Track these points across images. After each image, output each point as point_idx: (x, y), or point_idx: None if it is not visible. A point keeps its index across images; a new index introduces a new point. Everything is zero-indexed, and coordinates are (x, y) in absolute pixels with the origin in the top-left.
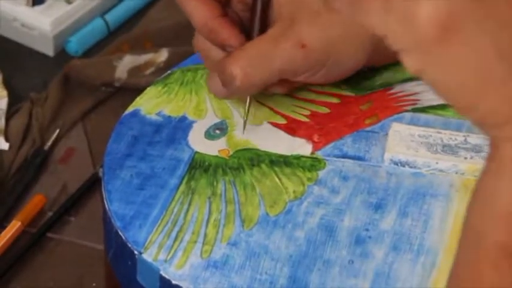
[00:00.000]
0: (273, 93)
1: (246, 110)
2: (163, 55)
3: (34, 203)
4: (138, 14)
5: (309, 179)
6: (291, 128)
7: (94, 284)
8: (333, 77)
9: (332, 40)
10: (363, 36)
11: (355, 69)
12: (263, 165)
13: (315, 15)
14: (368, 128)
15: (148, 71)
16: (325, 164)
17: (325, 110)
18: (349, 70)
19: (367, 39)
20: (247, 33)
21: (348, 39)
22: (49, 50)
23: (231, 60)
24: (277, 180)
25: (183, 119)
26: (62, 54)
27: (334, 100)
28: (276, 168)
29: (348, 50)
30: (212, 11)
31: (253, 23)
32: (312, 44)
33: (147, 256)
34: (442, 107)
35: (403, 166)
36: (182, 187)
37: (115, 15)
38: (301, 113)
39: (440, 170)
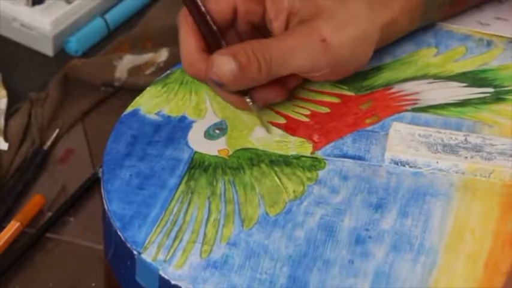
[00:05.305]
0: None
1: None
2: (163, 55)
3: (33, 203)
4: (138, 14)
5: (308, 179)
6: (291, 127)
7: (93, 284)
8: (342, 75)
9: (348, 37)
10: (374, 34)
11: (364, 66)
12: (263, 165)
13: (332, 14)
14: (368, 128)
15: (148, 71)
16: (325, 163)
17: (325, 109)
18: (358, 67)
19: (376, 36)
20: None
21: (361, 37)
22: (49, 50)
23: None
24: (277, 180)
25: (183, 118)
26: (62, 54)
27: (334, 100)
28: (276, 168)
29: (361, 48)
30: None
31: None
32: (331, 39)
33: (146, 256)
34: (442, 106)
35: (404, 166)
36: (182, 187)
37: (115, 15)
38: (301, 113)
39: (441, 170)
